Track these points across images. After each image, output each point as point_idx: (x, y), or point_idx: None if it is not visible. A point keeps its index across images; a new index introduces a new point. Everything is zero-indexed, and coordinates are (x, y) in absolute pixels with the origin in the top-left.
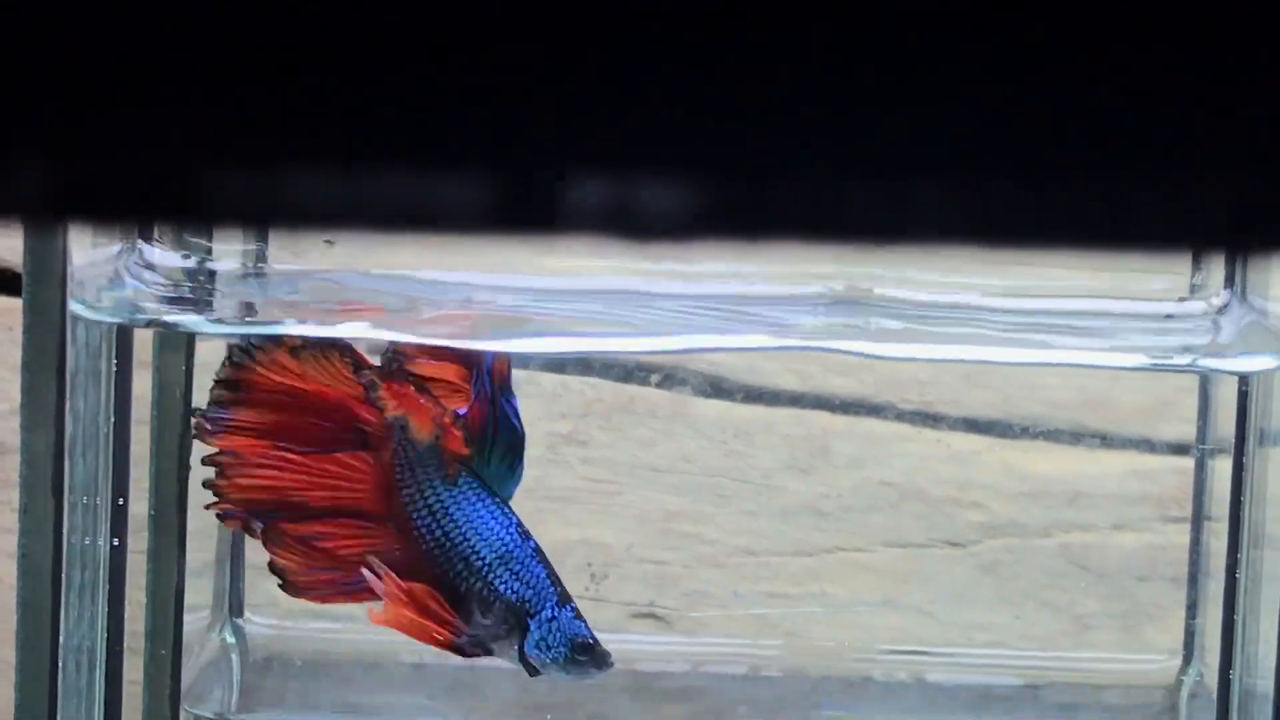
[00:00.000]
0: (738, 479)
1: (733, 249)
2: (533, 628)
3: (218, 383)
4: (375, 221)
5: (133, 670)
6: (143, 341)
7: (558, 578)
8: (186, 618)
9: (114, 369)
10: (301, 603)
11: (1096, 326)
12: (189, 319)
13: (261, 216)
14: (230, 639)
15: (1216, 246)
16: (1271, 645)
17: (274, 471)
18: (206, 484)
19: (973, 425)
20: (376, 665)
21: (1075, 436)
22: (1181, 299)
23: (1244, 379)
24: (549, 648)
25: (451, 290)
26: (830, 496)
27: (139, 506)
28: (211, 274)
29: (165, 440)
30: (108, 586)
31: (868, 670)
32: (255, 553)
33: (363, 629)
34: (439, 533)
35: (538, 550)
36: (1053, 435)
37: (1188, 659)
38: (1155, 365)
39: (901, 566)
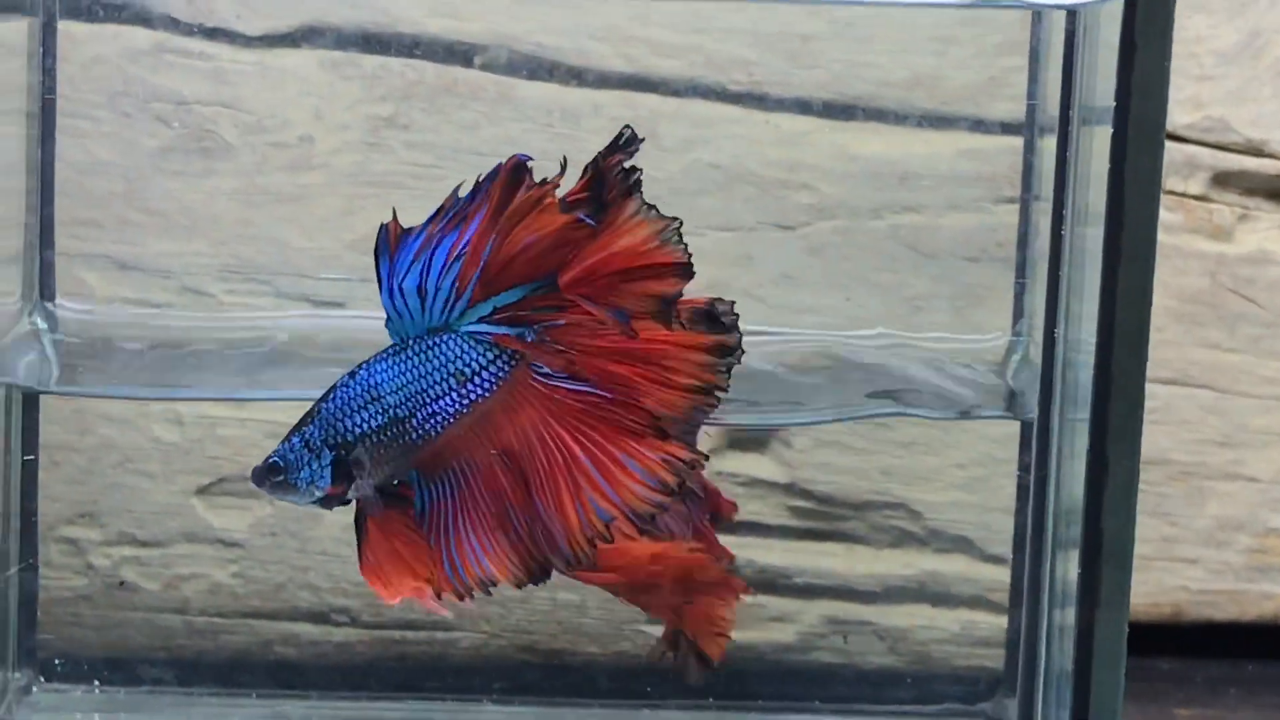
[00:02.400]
0: None
1: None
2: None
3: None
4: None
5: None
6: None
7: None
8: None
9: None
10: (119, 290)
11: None
12: None
13: None
14: (40, 323)
15: None
16: (1093, 322)
17: None
18: None
19: (802, 106)
20: (187, 341)
21: (905, 116)
22: None
23: (1071, 16)
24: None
25: None
26: (659, 180)
27: None
28: None
29: None
30: None
31: None
32: (67, 240)
33: (173, 312)
34: None
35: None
36: (882, 115)
37: (1016, 337)
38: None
39: (731, 249)
